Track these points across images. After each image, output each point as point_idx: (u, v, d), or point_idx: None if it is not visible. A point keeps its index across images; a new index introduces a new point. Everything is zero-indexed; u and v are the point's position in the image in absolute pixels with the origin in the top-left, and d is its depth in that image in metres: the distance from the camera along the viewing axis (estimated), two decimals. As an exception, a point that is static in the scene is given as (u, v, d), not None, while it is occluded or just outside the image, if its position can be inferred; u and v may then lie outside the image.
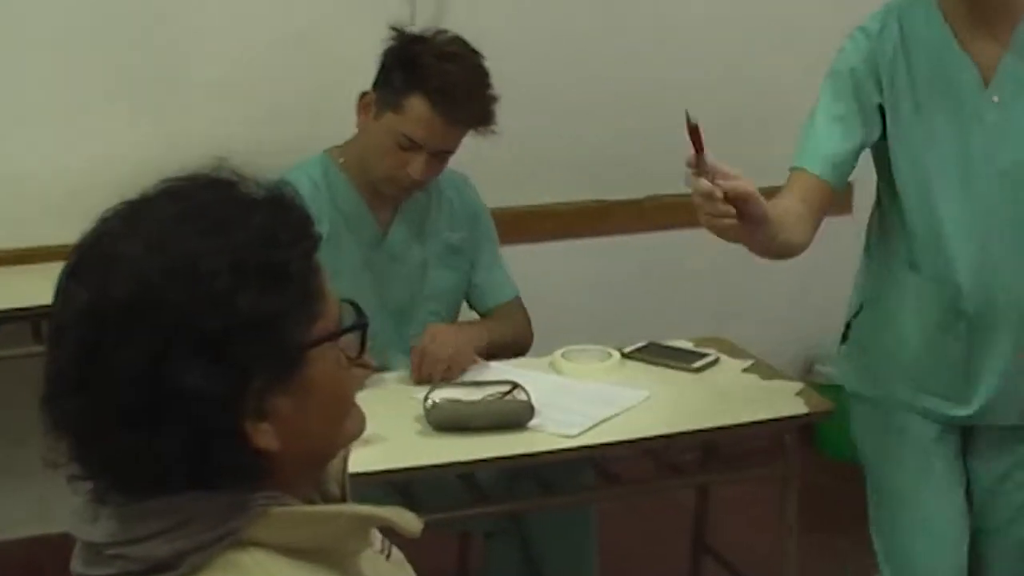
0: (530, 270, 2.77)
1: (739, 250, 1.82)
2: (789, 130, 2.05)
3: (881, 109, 1.98)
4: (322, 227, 2.35)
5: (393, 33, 2.38)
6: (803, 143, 1.99)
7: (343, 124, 2.45)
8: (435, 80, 2.28)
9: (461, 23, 2.49)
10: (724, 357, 2.47)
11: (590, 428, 2.17)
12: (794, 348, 3.52)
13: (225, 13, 2.92)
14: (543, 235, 3.20)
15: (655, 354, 2.46)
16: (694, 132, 1.64)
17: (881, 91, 1.97)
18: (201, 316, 0.99)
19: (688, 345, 2.52)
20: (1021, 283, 1.95)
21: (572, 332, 2.64)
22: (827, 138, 1.97)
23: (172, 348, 0.98)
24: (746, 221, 1.69)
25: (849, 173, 2.00)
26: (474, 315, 2.62)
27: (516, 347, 2.54)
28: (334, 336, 1.08)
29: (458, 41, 2.38)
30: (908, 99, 1.96)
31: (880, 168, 2.04)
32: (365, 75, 2.39)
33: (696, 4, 3.29)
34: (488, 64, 2.37)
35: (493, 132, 2.37)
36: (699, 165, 1.65)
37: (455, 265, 2.55)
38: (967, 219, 1.95)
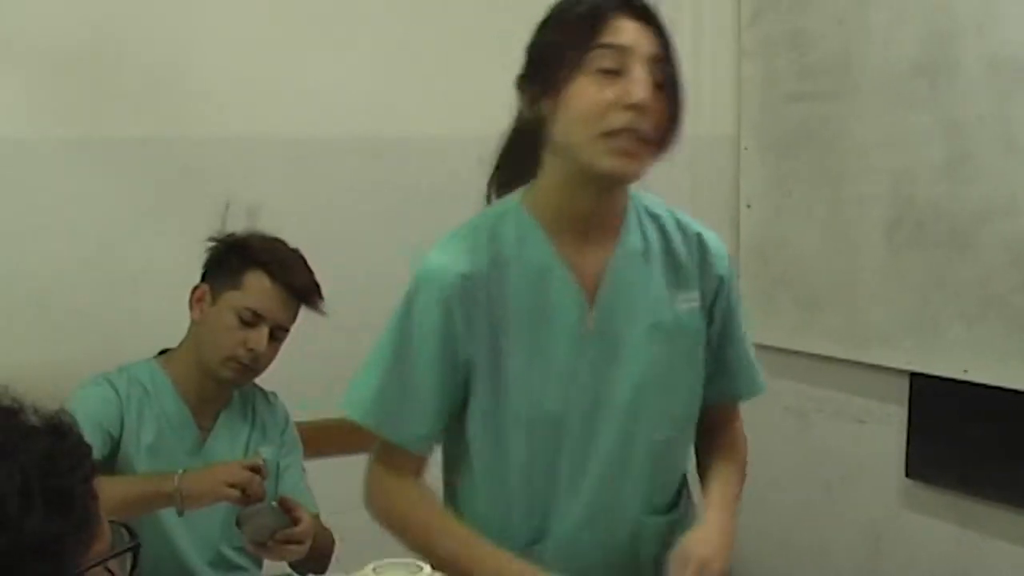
0: (339, 484, 2.71)
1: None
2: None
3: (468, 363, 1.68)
4: (148, 434, 2.39)
5: (212, 240, 2.49)
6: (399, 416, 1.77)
7: (144, 339, 2.43)
8: (268, 255, 2.42)
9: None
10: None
11: (404, 643, 2.11)
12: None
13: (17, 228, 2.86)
14: (350, 448, 3.14)
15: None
16: None
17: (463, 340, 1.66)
18: None
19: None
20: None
21: (382, 546, 2.58)
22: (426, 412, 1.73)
23: None
24: None
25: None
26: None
27: (319, 563, 2.52)
28: (109, 558, 1.12)
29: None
30: (502, 335, 1.65)
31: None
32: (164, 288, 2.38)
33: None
34: None
35: (324, 313, 2.48)
36: None
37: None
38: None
